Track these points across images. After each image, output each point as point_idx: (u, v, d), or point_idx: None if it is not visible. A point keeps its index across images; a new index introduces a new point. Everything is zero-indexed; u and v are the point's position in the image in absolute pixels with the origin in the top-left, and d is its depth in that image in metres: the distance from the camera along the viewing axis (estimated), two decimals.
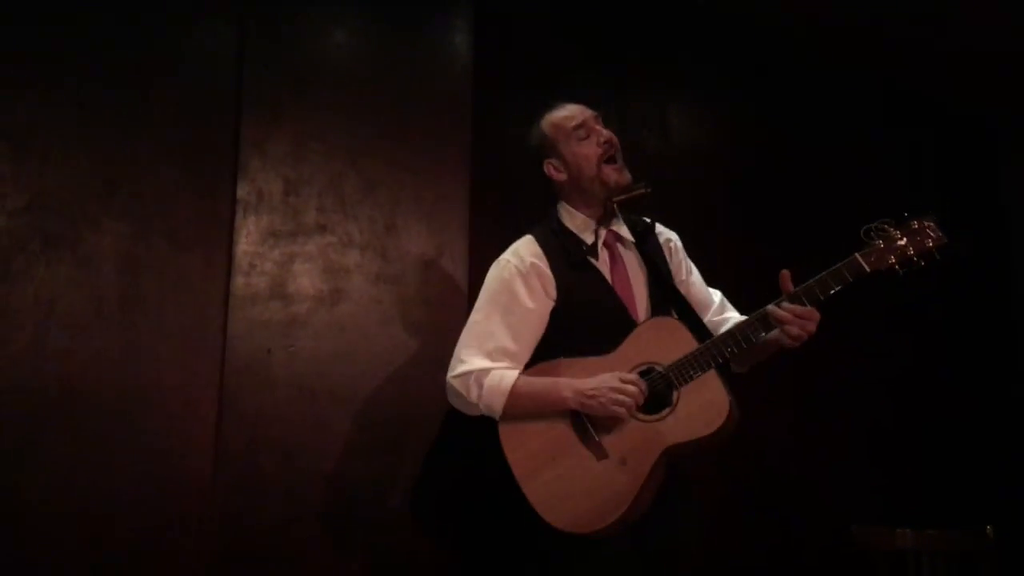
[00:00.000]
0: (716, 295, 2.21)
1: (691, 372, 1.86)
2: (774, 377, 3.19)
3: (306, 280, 2.46)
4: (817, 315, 1.87)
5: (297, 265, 2.47)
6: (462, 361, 1.98)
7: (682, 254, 2.21)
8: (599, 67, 3.21)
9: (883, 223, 1.90)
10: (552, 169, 2.09)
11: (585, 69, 3.17)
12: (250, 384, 2.36)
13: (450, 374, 2.00)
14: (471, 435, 2.28)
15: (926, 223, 1.90)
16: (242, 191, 2.44)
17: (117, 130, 2.35)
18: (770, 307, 1.86)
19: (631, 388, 1.84)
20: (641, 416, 1.87)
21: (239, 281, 2.40)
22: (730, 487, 3.06)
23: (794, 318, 1.84)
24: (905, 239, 1.88)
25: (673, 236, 2.22)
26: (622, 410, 1.83)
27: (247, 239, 2.43)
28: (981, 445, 3.65)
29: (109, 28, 2.37)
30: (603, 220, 2.07)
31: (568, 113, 2.10)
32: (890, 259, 1.87)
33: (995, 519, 2.49)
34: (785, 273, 1.90)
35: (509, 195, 2.74)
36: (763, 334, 1.88)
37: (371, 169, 2.57)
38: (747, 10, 3.39)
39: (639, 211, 2.20)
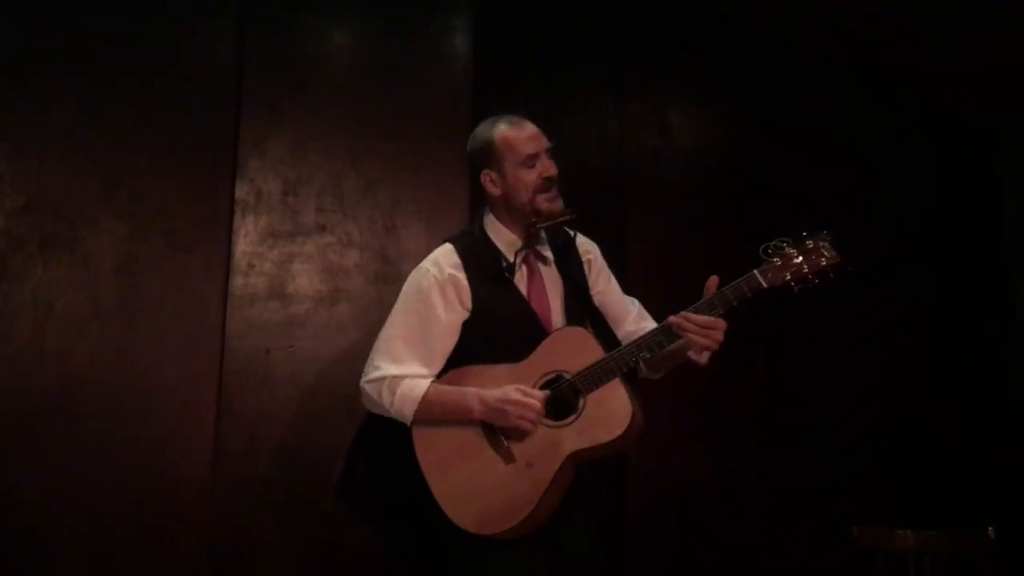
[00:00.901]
0: (635, 304, 2.23)
1: (597, 380, 1.91)
2: (775, 377, 3.20)
3: (305, 280, 2.46)
4: (723, 324, 1.88)
5: (296, 265, 2.46)
6: (376, 367, 2.02)
7: (600, 265, 2.23)
8: (599, 67, 3.21)
9: (781, 241, 1.92)
10: (488, 181, 2.08)
11: (585, 69, 3.16)
12: (249, 384, 2.37)
13: (364, 379, 2.04)
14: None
15: (820, 242, 1.92)
16: (241, 191, 2.44)
17: (116, 130, 2.35)
18: (671, 317, 1.89)
19: (533, 403, 1.90)
20: (548, 422, 1.92)
21: (238, 281, 2.40)
22: (730, 487, 3.05)
23: (697, 328, 1.87)
24: (800, 257, 1.90)
25: (593, 249, 2.24)
26: (526, 423, 1.90)
27: (246, 239, 2.42)
28: (982, 445, 3.65)
29: (108, 29, 2.38)
30: (526, 241, 2.09)
31: (526, 135, 2.07)
32: (786, 276, 1.90)
33: (996, 520, 2.49)
34: (713, 280, 1.92)
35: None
36: (667, 343, 1.92)
37: (370, 169, 2.57)
38: (747, 10, 3.39)
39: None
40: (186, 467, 2.29)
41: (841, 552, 2.74)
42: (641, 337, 1.95)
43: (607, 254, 2.26)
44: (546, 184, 2.04)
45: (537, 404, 1.90)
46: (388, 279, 2.52)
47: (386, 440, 2.42)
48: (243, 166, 2.45)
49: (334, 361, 2.44)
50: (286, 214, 2.48)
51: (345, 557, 2.38)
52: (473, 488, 1.92)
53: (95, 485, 2.21)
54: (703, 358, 1.91)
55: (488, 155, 2.07)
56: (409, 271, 2.52)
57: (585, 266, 2.18)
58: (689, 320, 1.87)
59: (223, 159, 2.44)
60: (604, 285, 2.20)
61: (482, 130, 2.10)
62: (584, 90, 3.16)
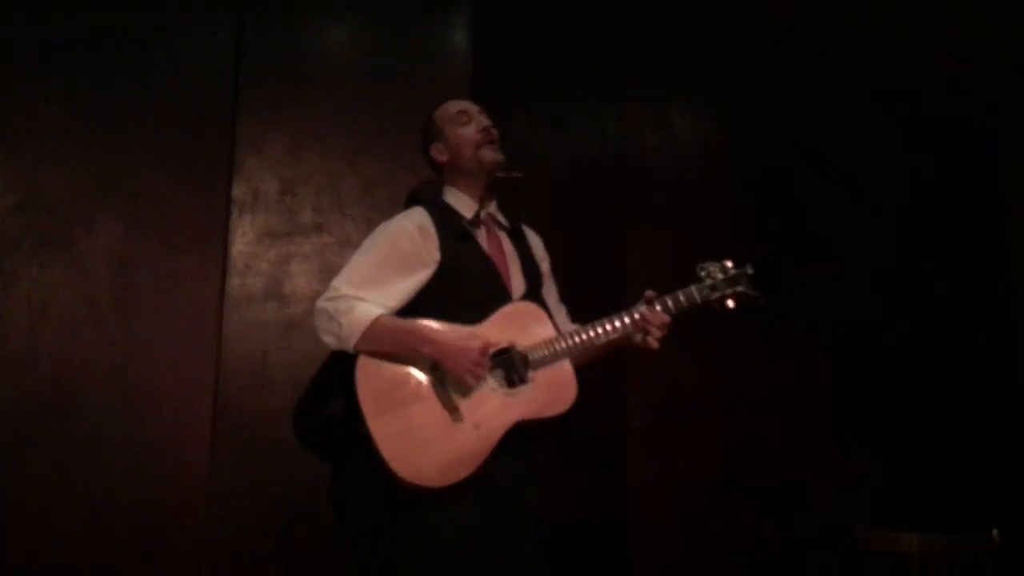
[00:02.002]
0: (563, 308, 2.34)
1: (548, 356, 2.05)
2: (776, 376, 3.19)
3: (302, 281, 2.45)
4: (667, 319, 2.12)
5: (293, 265, 2.45)
6: (335, 288, 2.03)
7: (545, 255, 2.34)
8: (599, 67, 3.20)
9: (712, 264, 2.19)
10: (436, 152, 2.22)
11: (585, 69, 3.15)
12: (246, 386, 2.35)
13: (321, 298, 2.03)
14: None
15: (741, 270, 2.18)
16: (238, 190, 2.42)
17: (111, 129, 2.34)
18: (642, 308, 2.11)
19: (485, 361, 1.98)
20: (499, 389, 2.01)
21: (234, 282, 2.38)
22: (732, 488, 3.04)
23: (661, 323, 2.11)
24: (724, 283, 2.17)
25: (541, 244, 2.35)
26: (471, 378, 1.96)
27: (242, 239, 2.41)
28: (986, 448, 3.64)
29: (104, 26, 2.36)
30: (483, 201, 2.20)
31: (457, 105, 2.25)
32: (713, 295, 2.16)
33: (1000, 522, 2.48)
34: (650, 295, 2.14)
35: (507, 195, 2.72)
36: (620, 330, 2.10)
37: (369, 168, 2.56)
38: (748, 10, 3.38)
39: (517, 191, 2.30)
40: (182, 468, 2.27)
41: (844, 554, 2.73)
42: (596, 321, 2.11)
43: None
44: (484, 134, 2.19)
45: (486, 364, 1.97)
46: None
47: None
48: (240, 165, 2.44)
49: (331, 362, 2.42)
50: (283, 214, 2.46)
51: (344, 558, 2.36)
52: (416, 439, 1.93)
53: (91, 486, 2.20)
54: (655, 345, 2.12)
55: (430, 131, 2.24)
56: None
57: (537, 250, 2.31)
58: (657, 316, 2.11)
59: (220, 158, 2.42)
60: (548, 278, 2.32)
61: (425, 121, 2.27)
62: (584, 89, 3.15)
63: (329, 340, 2.00)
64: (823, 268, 3.41)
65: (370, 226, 2.51)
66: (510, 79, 2.91)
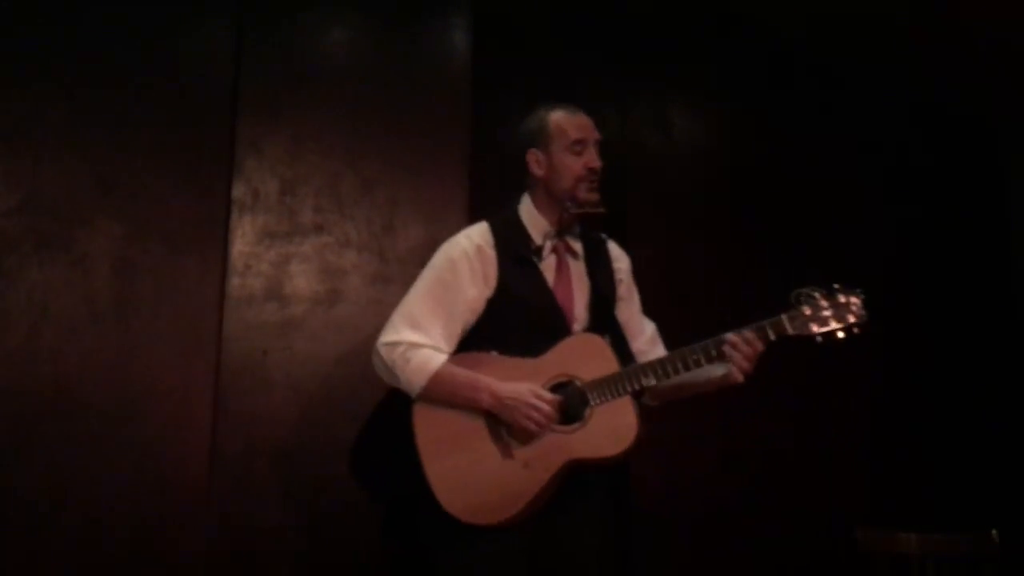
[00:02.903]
0: (649, 325, 2.24)
1: (608, 393, 1.92)
2: (775, 376, 3.18)
3: (302, 281, 2.45)
4: (761, 347, 1.92)
5: (293, 266, 2.45)
6: (396, 330, 2.01)
7: (629, 279, 2.24)
8: (599, 67, 3.20)
9: (813, 290, 1.92)
10: (534, 161, 2.10)
11: (585, 69, 3.15)
12: (246, 386, 2.35)
13: (381, 339, 2.02)
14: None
15: (852, 298, 1.92)
16: (237, 191, 2.43)
17: (111, 129, 2.34)
18: (730, 336, 1.91)
19: (545, 408, 1.90)
20: (552, 426, 1.93)
21: (234, 282, 2.39)
22: (732, 488, 3.04)
23: (753, 353, 1.91)
24: (830, 311, 1.91)
25: (624, 260, 2.25)
26: (532, 425, 1.90)
27: (242, 239, 2.41)
28: (986, 448, 3.64)
29: (104, 27, 2.37)
30: (560, 229, 2.11)
31: (578, 123, 2.10)
32: (812, 327, 1.91)
33: (1000, 523, 2.48)
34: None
35: (508, 195, 2.72)
36: (702, 363, 1.93)
37: (369, 169, 2.56)
38: (748, 10, 3.38)
39: (597, 227, 2.23)
40: (183, 468, 2.28)
41: (844, 554, 2.73)
42: (671, 353, 1.97)
43: None
44: (589, 174, 2.07)
45: (549, 410, 1.90)
46: (386, 280, 2.51)
47: (384, 442, 2.42)
48: (240, 166, 2.44)
49: (332, 362, 2.42)
50: (283, 214, 2.46)
51: (344, 558, 2.36)
52: (467, 476, 1.92)
53: (91, 487, 2.20)
54: (740, 379, 1.92)
55: (538, 135, 2.10)
56: (408, 272, 2.52)
57: (615, 274, 2.19)
58: (751, 344, 1.90)
59: (220, 159, 2.43)
60: (627, 298, 2.21)
61: (537, 112, 2.13)
62: (584, 90, 3.15)
63: (391, 383, 2.02)
64: (823, 268, 3.41)
65: (370, 226, 2.53)
66: (509, 80, 2.91)
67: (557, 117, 2.10)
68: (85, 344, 2.25)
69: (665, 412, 3.02)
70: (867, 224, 3.59)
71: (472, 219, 2.60)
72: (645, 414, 1.97)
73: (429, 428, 1.97)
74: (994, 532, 2.40)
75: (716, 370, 1.97)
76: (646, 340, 2.19)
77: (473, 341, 2.04)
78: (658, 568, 2.94)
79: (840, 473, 3.26)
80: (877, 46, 3.53)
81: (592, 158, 2.08)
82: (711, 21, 3.40)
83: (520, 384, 1.93)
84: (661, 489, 2.97)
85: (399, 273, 2.53)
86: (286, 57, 2.52)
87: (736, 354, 1.90)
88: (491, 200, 2.70)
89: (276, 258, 2.44)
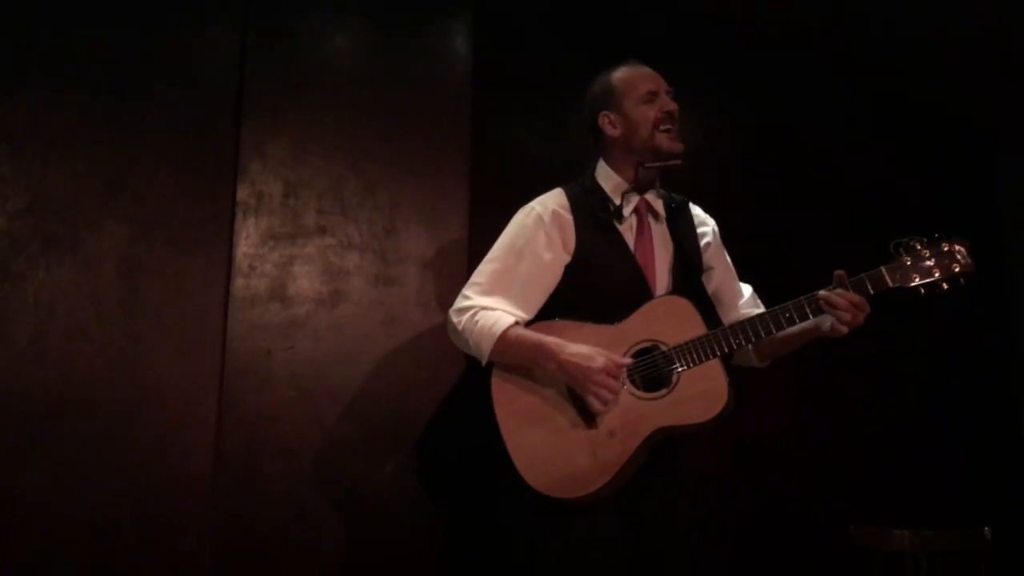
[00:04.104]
0: (747, 289, 2.18)
1: (696, 357, 1.84)
2: (773, 376, 3.20)
3: (306, 282, 2.47)
4: (868, 307, 1.85)
5: (297, 267, 2.47)
6: (466, 297, 1.96)
7: (717, 242, 2.16)
8: (600, 69, 3.19)
9: (913, 239, 1.84)
10: (607, 122, 2.05)
11: (586, 71, 3.15)
12: (250, 386, 2.37)
13: (452, 308, 1.99)
14: (470, 436, 2.29)
15: (956, 246, 1.83)
16: (242, 193, 2.44)
17: (118, 132, 2.35)
18: (823, 292, 1.83)
19: (613, 384, 1.82)
20: (637, 392, 1.85)
21: (239, 283, 2.41)
22: (727, 487, 3.06)
23: (849, 304, 1.83)
24: (933, 260, 1.82)
25: (710, 225, 2.18)
26: (597, 404, 1.81)
27: (247, 241, 2.43)
28: (979, 445, 3.66)
29: (111, 31, 2.38)
30: (638, 187, 2.03)
31: (645, 74, 2.07)
32: (915, 277, 1.83)
33: (993, 520, 2.50)
34: (841, 273, 1.88)
35: (509, 196, 2.74)
36: (796, 321, 1.86)
37: (371, 171, 2.58)
38: (748, 11, 3.39)
39: (674, 187, 2.16)
40: (187, 468, 2.29)
41: (837, 551, 2.76)
42: (759, 315, 1.89)
43: None
44: (667, 117, 2.02)
45: (618, 386, 1.81)
46: (388, 281, 2.53)
47: (386, 441, 2.45)
48: (244, 168, 2.45)
49: (335, 362, 2.44)
50: (287, 216, 2.48)
51: (346, 558, 2.38)
52: (549, 448, 1.83)
53: (96, 486, 2.21)
54: (843, 330, 1.86)
55: (607, 96, 2.06)
56: (409, 273, 2.56)
57: (700, 238, 2.13)
58: (844, 297, 1.82)
59: (224, 161, 2.44)
60: (718, 264, 2.14)
61: (599, 77, 2.11)
62: (584, 90, 3.16)
63: (464, 349, 1.96)
64: (823, 268, 3.42)
65: (371, 228, 2.55)
66: (510, 83, 2.92)
67: (622, 74, 2.08)
68: (91, 344, 2.26)
69: None
70: (867, 224, 3.61)
71: (473, 220, 2.65)
72: (733, 376, 1.88)
73: (508, 402, 1.88)
74: (987, 529, 2.42)
75: (823, 321, 1.88)
76: (746, 303, 2.13)
77: (554, 308, 1.97)
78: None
79: (833, 470, 3.28)
80: (877, 46, 3.54)
81: (666, 102, 2.04)
82: (711, 22, 3.41)
83: (583, 348, 1.83)
84: None
85: (401, 274, 2.56)
86: (289, 63, 2.54)
87: (836, 310, 1.83)
88: (491, 201, 2.73)
89: (280, 259, 2.46)
